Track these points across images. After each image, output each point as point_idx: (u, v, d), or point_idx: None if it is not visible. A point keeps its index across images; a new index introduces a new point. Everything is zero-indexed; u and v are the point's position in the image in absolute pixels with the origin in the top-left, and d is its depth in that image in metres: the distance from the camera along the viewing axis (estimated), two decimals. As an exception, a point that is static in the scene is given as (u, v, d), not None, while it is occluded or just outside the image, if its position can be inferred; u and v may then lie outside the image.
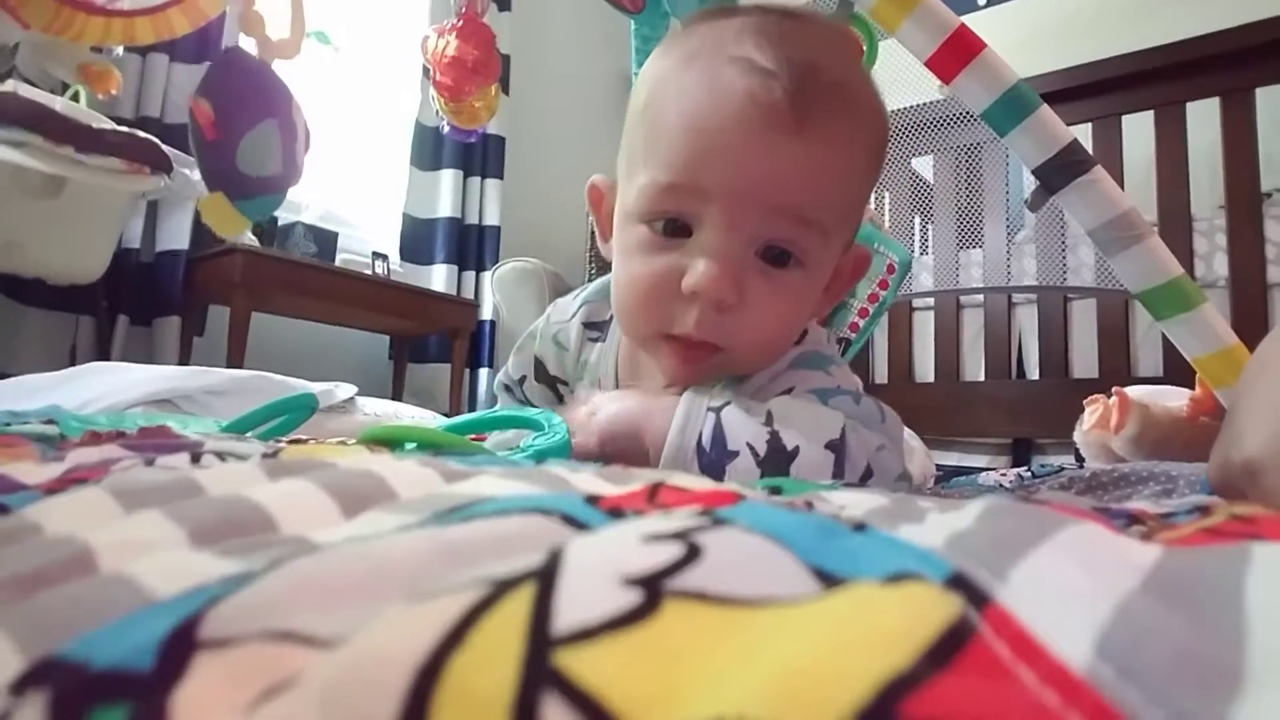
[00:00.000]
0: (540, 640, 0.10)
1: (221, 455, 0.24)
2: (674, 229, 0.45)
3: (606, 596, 0.10)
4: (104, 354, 2.34)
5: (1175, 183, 1.93)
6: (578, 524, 0.14)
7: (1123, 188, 1.93)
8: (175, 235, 2.43)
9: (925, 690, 0.09)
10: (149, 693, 0.10)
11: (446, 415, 2.95)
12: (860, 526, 0.18)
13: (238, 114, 1.11)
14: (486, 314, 3.24)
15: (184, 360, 2.40)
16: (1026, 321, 2.14)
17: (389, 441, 0.44)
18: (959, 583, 0.13)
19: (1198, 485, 0.69)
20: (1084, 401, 0.91)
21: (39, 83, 1.70)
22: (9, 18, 1.01)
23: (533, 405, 0.62)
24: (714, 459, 0.40)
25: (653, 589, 0.11)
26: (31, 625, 0.11)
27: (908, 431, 0.87)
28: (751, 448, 0.39)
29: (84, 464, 0.23)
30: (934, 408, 2.19)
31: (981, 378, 2.28)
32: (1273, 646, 0.13)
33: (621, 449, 0.43)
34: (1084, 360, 2.10)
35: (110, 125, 1.71)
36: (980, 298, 2.18)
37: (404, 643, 0.10)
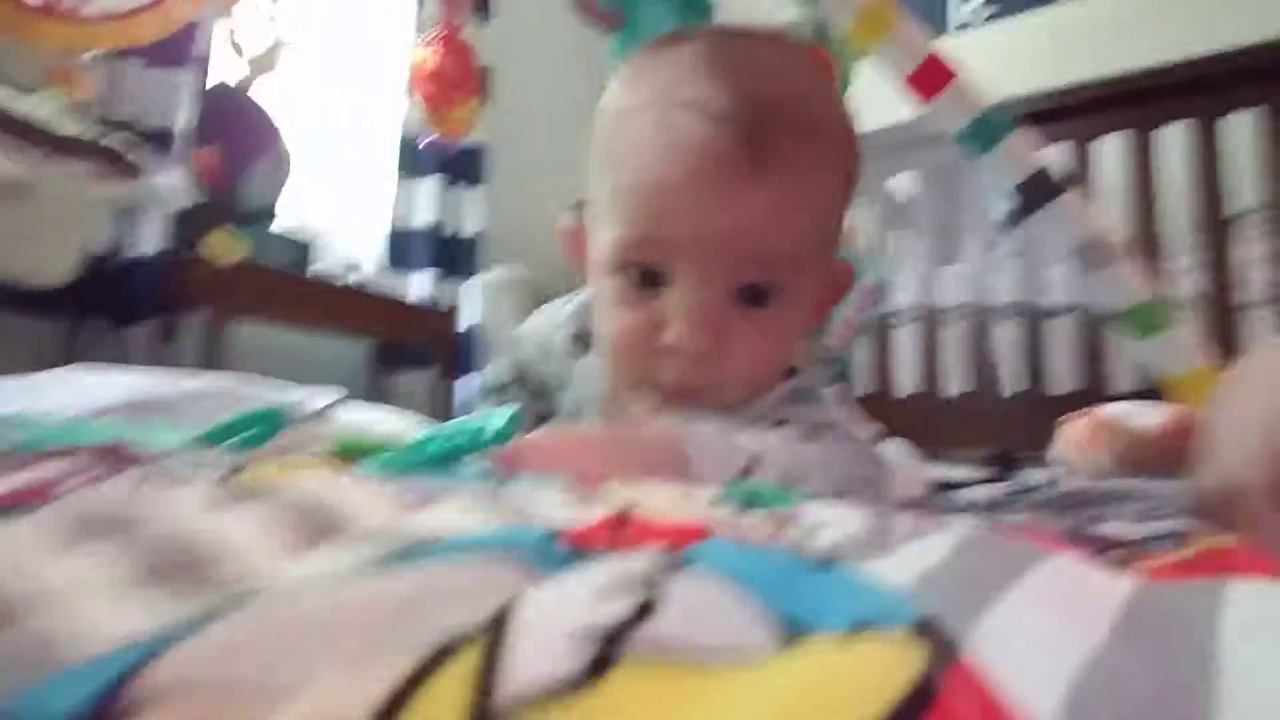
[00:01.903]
0: (485, 707, 0.09)
1: (172, 477, 0.23)
2: (649, 278, 0.44)
3: (556, 657, 0.10)
4: (73, 361, 2.30)
5: (1144, 206, 1.96)
6: (535, 567, 0.14)
7: (1095, 208, 1.98)
8: (147, 241, 2.39)
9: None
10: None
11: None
12: (827, 562, 0.17)
13: (238, 151, 1.10)
14: (469, 321, 3.22)
15: (157, 364, 2.36)
16: (1004, 337, 2.16)
17: (359, 452, 0.43)
18: (926, 630, 0.13)
19: (1175, 502, 0.69)
20: (1058, 421, 0.92)
21: (4, 84, 1.67)
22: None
23: None
24: None
25: (606, 648, 0.10)
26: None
27: (901, 449, 0.87)
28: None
29: (25, 483, 0.22)
30: (912, 422, 2.20)
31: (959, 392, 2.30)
32: (1244, 700, 0.12)
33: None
34: (1059, 376, 2.13)
35: (79, 130, 1.69)
36: (959, 312, 2.20)
37: (349, 706, 0.10)
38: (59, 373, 1.28)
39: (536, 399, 0.61)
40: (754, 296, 0.44)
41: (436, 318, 3.01)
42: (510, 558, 0.14)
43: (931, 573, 0.17)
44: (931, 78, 0.72)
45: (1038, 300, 2.07)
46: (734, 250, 0.42)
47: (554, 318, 0.61)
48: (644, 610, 0.11)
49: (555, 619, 0.11)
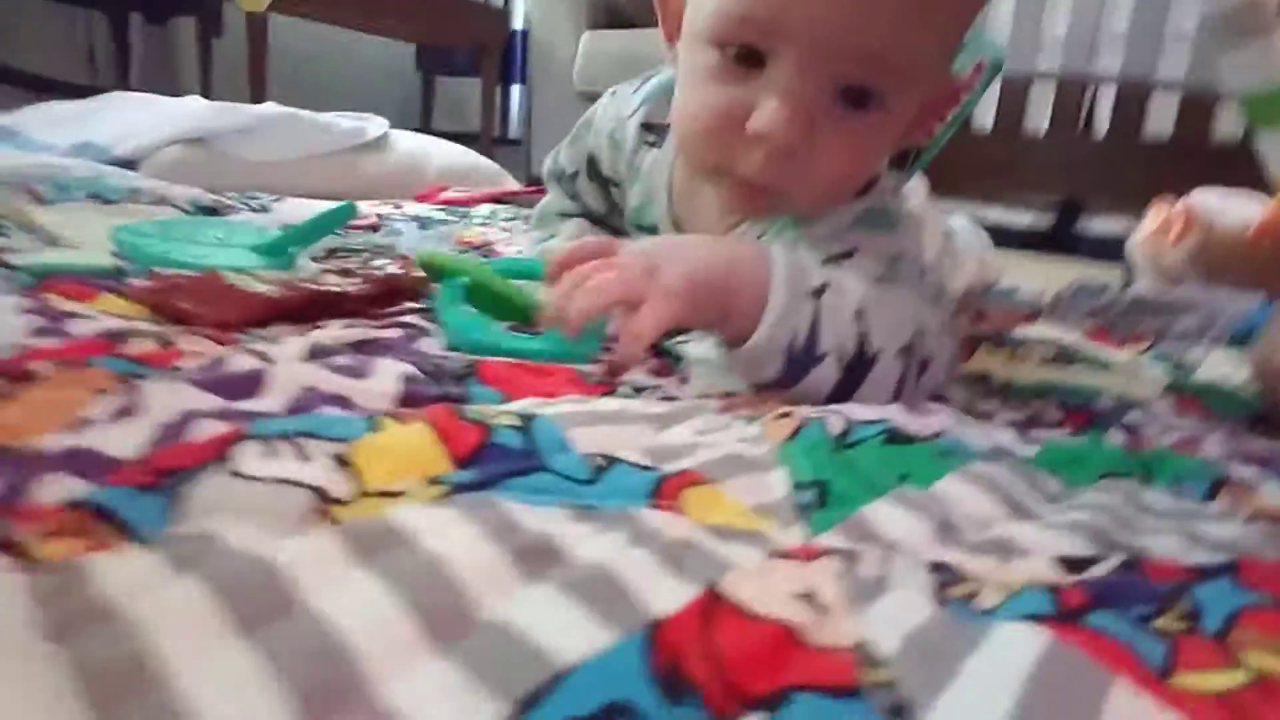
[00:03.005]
0: None
1: (289, 437, 0.23)
2: (746, 57, 0.40)
3: None
4: (123, 55, 2.25)
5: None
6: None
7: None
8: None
9: None
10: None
11: (477, 138, 2.87)
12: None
13: None
14: (518, 23, 2.99)
15: (204, 64, 2.30)
16: (1107, 68, 1.94)
17: (439, 270, 0.45)
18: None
19: (1240, 317, 0.68)
20: (1149, 206, 0.86)
21: None
22: None
23: (583, 202, 0.60)
24: (799, 364, 0.37)
25: None
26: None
27: (970, 233, 0.84)
28: (840, 351, 0.37)
29: (164, 431, 0.23)
30: (988, 163, 2.07)
31: (1045, 126, 2.13)
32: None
33: (700, 312, 0.37)
34: (1160, 116, 1.94)
35: None
36: (1061, 35, 1.96)
37: None
38: (111, 99, 1.26)
39: (604, 188, 0.59)
40: (854, 99, 0.41)
41: (486, 18, 2.79)
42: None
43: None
44: None
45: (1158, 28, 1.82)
46: (850, 45, 0.39)
47: (625, 103, 0.57)
48: None
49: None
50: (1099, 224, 2.13)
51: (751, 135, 0.40)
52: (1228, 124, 1.82)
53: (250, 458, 0.21)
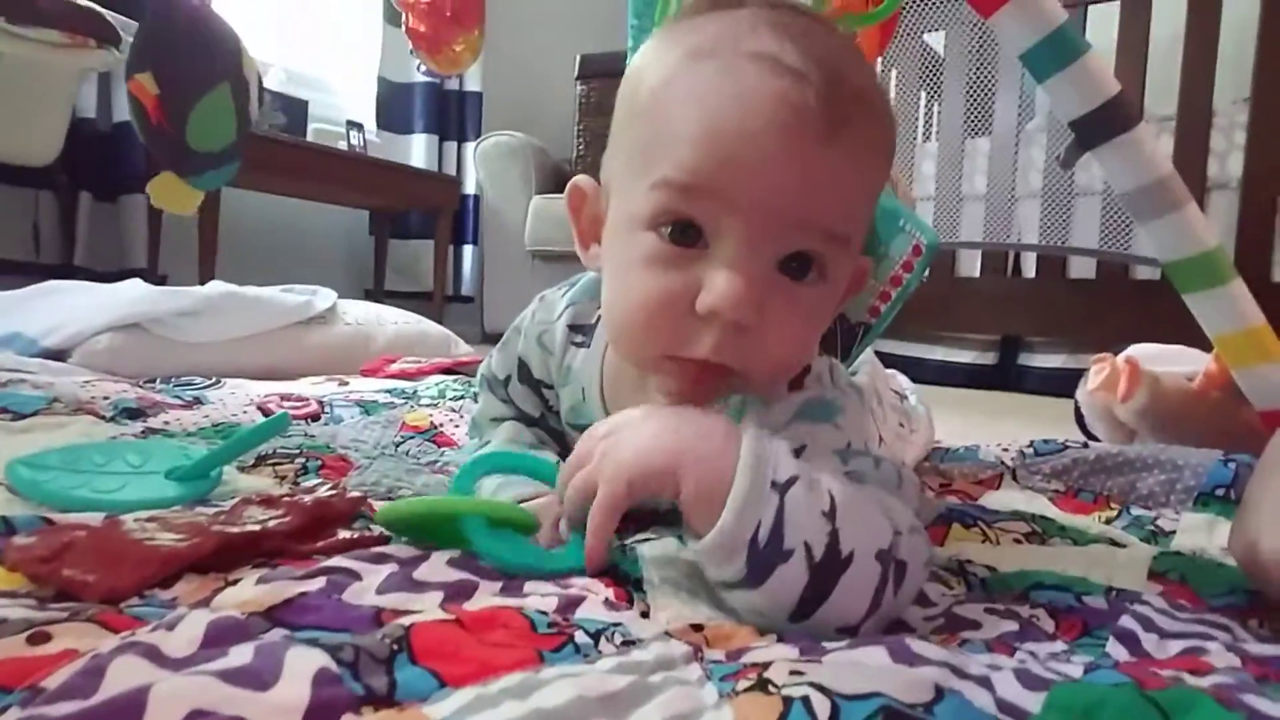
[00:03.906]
0: None
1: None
2: (684, 236, 0.40)
3: None
4: (69, 233, 2.24)
5: (1201, 68, 1.81)
6: None
7: (1144, 72, 1.83)
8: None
9: None
10: None
11: (430, 296, 2.90)
12: None
13: (185, 85, 0.98)
14: (470, 188, 3.11)
15: (153, 239, 2.30)
16: (1027, 218, 2.07)
17: (405, 523, 0.42)
18: None
19: (1203, 475, 0.68)
20: (1091, 360, 0.88)
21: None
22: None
23: (516, 407, 0.58)
24: (764, 559, 0.35)
25: None
26: None
27: (915, 396, 0.84)
28: (809, 549, 0.35)
29: None
30: (926, 302, 2.15)
31: (977, 273, 2.24)
32: None
33: (652, 493, 0.38)
34: (1083, 259, 2.06)
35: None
36: (983, 189, 2.10)
37: None
38: (47, 288, 1.23)
39: (536, 391, 0.58)
40: (796, 269, 0.40)
41: (440, 184, 2.90)
42: None
43: None
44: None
45: (1069, 183, 1.96)
46: (795, 213, 0.39)
47: (552, 308, 0.56)
48: None
49: None
50: (1039, 358, 2.20)
51: (703, 314, 0.39)
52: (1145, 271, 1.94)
53: None
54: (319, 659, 0.26)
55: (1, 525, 0.38)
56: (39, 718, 0.22)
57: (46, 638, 0.27)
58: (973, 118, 2.11)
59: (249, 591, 0.33)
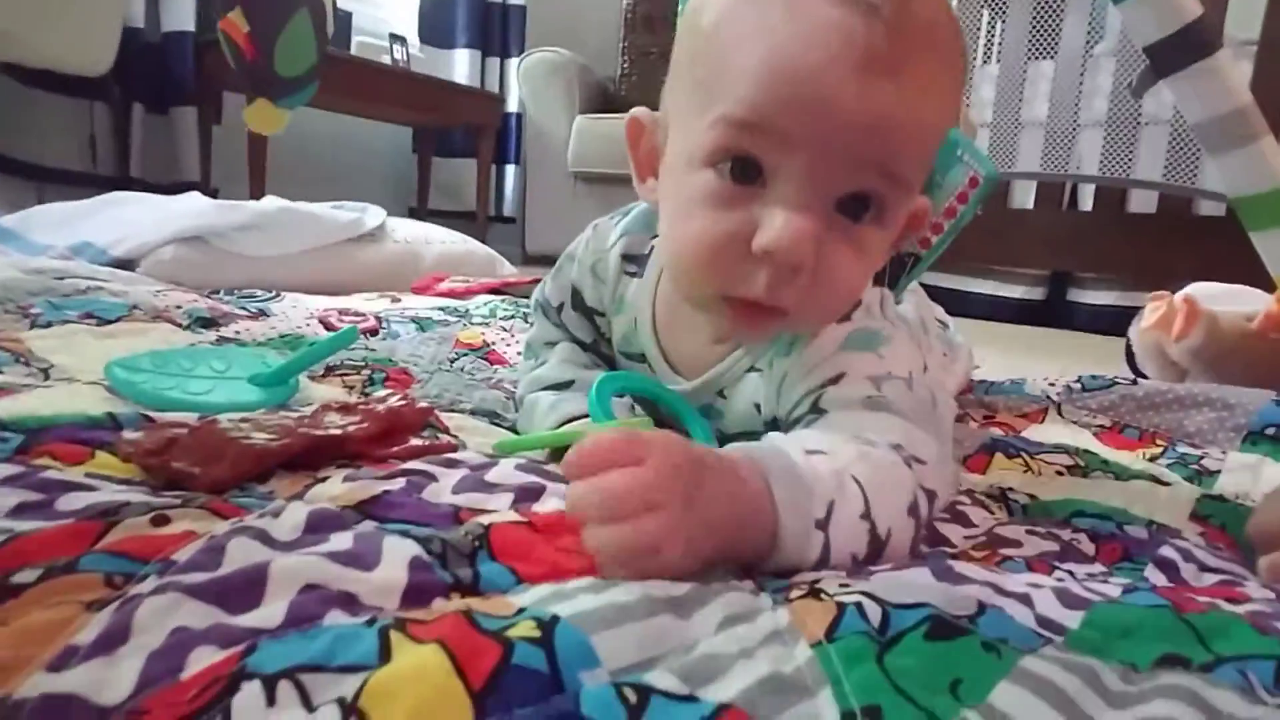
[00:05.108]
0: None
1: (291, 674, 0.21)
2: (743, 173, 0.40)
3: None
4: (123, 145, 2.28)
5: None
6: None
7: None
8: (180, 16, 2.26)
9: None
10: None
11: (473, 216, 2.91)
12: None
13: (270, 17, 0.99)
14: (513, 106, 3.07)
15: (205, 152, 2.34)
16: (1088, 147, 1.99)
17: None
18: None
19: (1254, 414, 0.67)
20: (1148, 298, 0.86)
21: None
22: None
23: (569, 332, 0.60)
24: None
25: None
26: None
27: (952, 329, 0.84)
28: (854, 557, 0.35)
29: (155, 664, 0.21)
30: (976, 234, 2.10)
31: (1031, 205, 2.17)
32: None
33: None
34: (1143, 194, 1.98)
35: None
36: (1043, 116, 2.01)
37: None
38: (110, 199, 1.27)
39: (589, 319, 0.59)
40: (853, 211, 0.41)
41: (483, 102, 2.86)
42: None
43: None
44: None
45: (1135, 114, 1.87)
46: (856, 151, 0.38)
47: (605, 237, 0.57)
48: None
49: None
50: (1090, 295, 2.15)
51: (758, 254, 0.39)
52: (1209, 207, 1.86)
53: (249, 711, 0.19)
54: (411, 548, 0.29)
55: (109, 420, 0.41)
56: (175, 584, 0.25)
57: (166, 520, 0.30)
58: (1038, 39, 2.00)
59: (338, 488, 0.36)
